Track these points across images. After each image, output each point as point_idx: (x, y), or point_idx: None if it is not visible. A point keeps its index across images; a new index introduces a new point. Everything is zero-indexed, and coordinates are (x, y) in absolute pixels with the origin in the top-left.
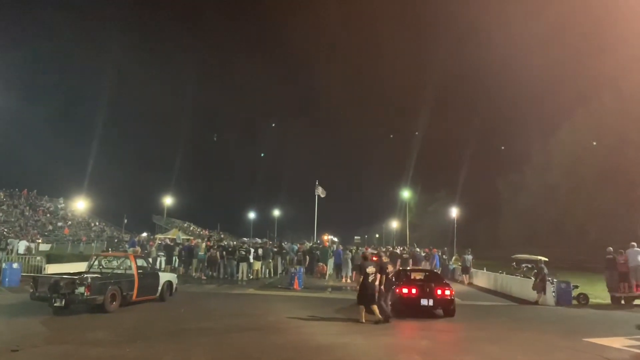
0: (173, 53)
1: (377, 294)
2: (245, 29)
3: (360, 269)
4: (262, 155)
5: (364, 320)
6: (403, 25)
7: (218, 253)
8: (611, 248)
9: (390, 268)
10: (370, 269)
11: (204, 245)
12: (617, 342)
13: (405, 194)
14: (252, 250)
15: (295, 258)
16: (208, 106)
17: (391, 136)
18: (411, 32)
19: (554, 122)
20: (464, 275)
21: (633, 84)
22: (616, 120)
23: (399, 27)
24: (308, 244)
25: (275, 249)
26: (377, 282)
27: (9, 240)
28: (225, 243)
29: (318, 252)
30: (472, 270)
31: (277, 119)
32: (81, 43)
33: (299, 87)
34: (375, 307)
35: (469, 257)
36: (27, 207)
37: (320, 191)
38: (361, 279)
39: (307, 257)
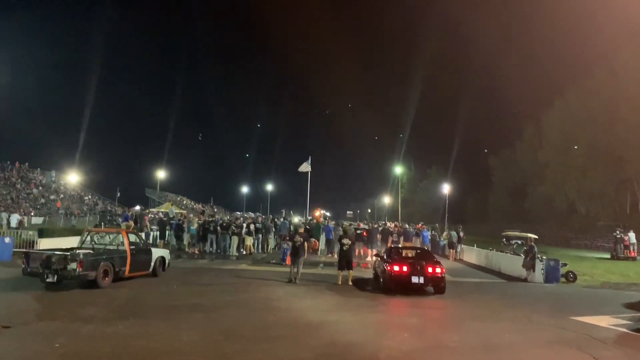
0: (166, 24)
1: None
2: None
3: (291, 237)
4: (258, 125)
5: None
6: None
7: (212, 227)
8: None
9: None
10: (297, 238)
11: (196, 220)
12: (603, 321)
13: (398, 169)
14: (245, 225)
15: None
16: (202, 81)
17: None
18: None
19: (546, 99)
20: (450, 251)
21: (626, 61)
22: (608, 98)
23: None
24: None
25: (263, 224)
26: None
27: (1, 215)
28: (219, 217)
29: (308, 227)
30: (463, 246)
31: (271, 94)
32: (71, 13)
33: (291, 60)
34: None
35: (454, 232)
36: (19, 180)
37: (304, 167)
38: (290, 244)
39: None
